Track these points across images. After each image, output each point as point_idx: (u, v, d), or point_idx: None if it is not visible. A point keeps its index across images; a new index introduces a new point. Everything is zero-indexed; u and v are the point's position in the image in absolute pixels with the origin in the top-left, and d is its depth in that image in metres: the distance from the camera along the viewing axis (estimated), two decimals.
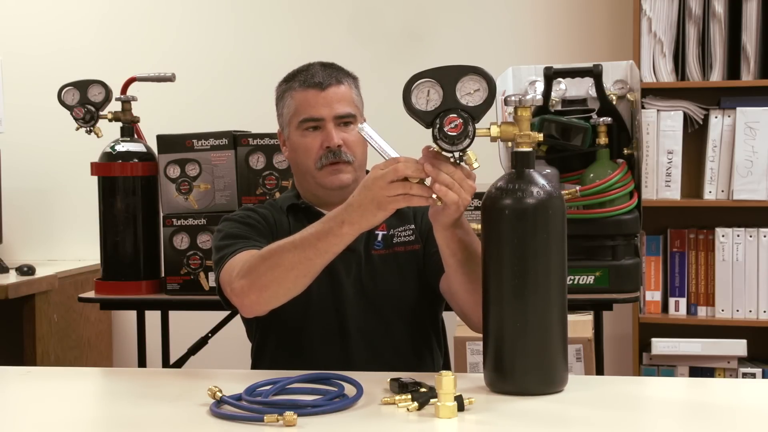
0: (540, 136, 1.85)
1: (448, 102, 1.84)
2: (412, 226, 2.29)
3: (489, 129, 1.85)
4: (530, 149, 1.84)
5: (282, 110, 2.30)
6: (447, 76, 1.86)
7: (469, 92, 1.84)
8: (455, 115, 1.83)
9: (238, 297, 2.07)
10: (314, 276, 2.02)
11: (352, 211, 1.92)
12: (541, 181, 1.81)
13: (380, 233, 2.27)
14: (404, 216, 2.29)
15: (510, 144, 1.88)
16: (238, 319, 2.78)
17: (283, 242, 2.02)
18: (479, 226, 2.47)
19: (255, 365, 2.32)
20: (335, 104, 2.23)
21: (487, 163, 2.05)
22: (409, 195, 1.86)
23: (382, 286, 2.25)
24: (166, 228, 3.10)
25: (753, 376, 3.48)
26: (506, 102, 1.86)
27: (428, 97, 1.85)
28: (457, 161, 1.85)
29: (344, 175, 2.23)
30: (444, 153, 1.85)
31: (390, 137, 1.96)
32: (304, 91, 2.24)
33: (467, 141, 1.83)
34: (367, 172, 2.31)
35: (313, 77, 2.24)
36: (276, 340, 2.27)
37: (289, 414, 1.65)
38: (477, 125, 1.84)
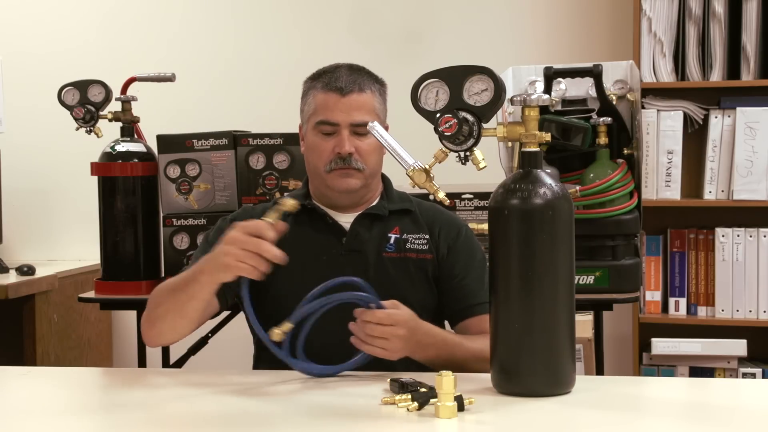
0: (547, 136, 1.84)
1: (455, 102, 1.84)
2: (427, 236, 2.27)
3: (495, 129, 1.85)
4: (537, 149, 1.84)
5: (304, 107, 2.31)
6: (454, 77, 1.86)
7: (476, 92, 1.84)
8: (450, 116, 1.83)
9: (142, 328, 2.13)
10: (194, 318, 2.06)
11: (207, 262, 1.97)
12: (549, 181, 1.81)
13: (393, 236, 2.26)
14: (419, 223, 2.28)
15: (509, 143, 1.88)
16: (238, 319, 2.78)
17: (168, 282, 2.08)
18: (482, 227, 2.49)
19: (256, 364, 2.30)
20: (353, 112, 2.22)
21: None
22: (240, 264, 1.90)
23: (391, 290, 2.21)
24: (166, 228, 3.10)
25: (753, 376, 3.48)
26: (512, 102, 1.86)
27: (437, 98, 1.86)
28: (463, 161, 1.86)
29: (352, 180, 2.23)
30: (451, 152, 1.86)
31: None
32: (325, 93, 2.24)
33: (471, 141, 1.83)
34: (384, 178, 2.33)
35: (337, 81, 2.24)
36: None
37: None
38: (484, 125, 1.84)
